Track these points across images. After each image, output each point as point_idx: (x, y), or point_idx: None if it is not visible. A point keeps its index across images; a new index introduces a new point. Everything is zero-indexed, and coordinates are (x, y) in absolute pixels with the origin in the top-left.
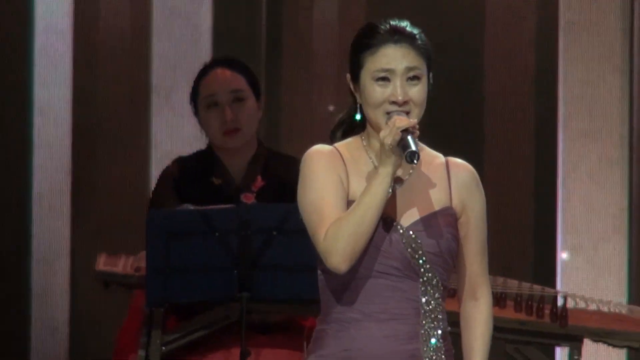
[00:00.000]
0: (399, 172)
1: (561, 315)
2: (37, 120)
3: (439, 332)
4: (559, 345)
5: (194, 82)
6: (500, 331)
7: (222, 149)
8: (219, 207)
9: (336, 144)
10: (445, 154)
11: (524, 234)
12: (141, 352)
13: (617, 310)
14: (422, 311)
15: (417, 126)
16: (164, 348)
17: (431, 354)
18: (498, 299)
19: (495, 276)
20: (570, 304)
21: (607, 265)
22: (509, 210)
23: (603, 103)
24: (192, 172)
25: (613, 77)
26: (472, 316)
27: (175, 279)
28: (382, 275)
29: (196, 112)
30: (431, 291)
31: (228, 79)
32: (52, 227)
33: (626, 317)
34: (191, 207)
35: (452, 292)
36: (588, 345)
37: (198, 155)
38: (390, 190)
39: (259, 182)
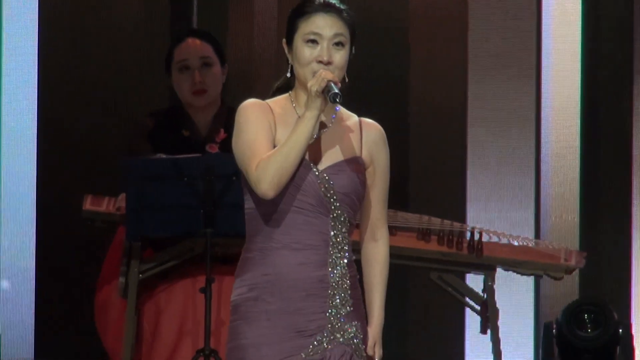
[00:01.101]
0: (322, 119)
1: (477, 247)
2: None
3: (345, 261)
4: (476, 273)
5: (169, 48)
6: (425, 261)
7: (191, 106)
8: (187, 156)
9: (267, 100)
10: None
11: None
12: (121, 279)
13: (524, 244)
14: (331, 243)
15: (338, 82)
16: (141, 275)
17: (337, 279)
18: (424, 234)
19: (421, 215)
20: (484, 238)
21: (518, 201)
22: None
23: None
24: (164, 125)
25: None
26: (372, 255)
27: (150, 216)
28: (298, 210)
29: (169, 75)
30: (339, 226)
31: (198, 47)
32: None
33: (532, 249)
34: (163, 156)
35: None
36: (500, 273)
37: (170, 111)
38: (315, 136)
39: (222, 134)
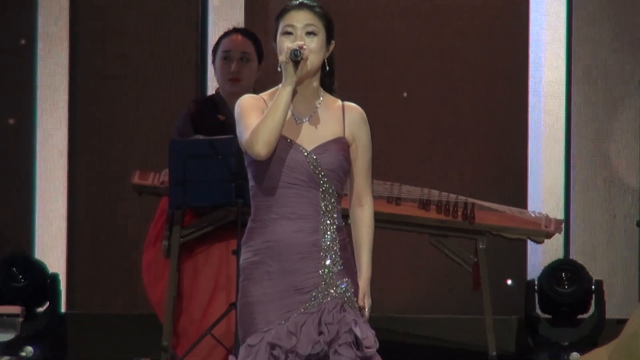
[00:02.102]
0: (304, 108)
1: (470, 216)
2: None
3: (334, 227)
4: (467, 237)
5: (218, 39)
6: (425, 227)
7: (226, 93)
8: (221, 137)
9: (260, 94)
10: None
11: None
12: (165, 242)
13: (511, 212)
14: (321, 212)
15: (305, 52)
16: (181, 239)
17: (328, 243)
18: (424, 204)
19: (422, 187)
20: (478, 207)
21: (509, 176)
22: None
23: None
24: (204, 110)
25: None
26: (359, 219)
27: (190, 189)
28: (292, 186)
29: (214, 61)
30: (328, 197)
31: (240, 42)
32: None
33: (517, 217)
34: (202, 137)
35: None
36: (491, 239)
37: (209, 98)
38: (305, 120)
39: None
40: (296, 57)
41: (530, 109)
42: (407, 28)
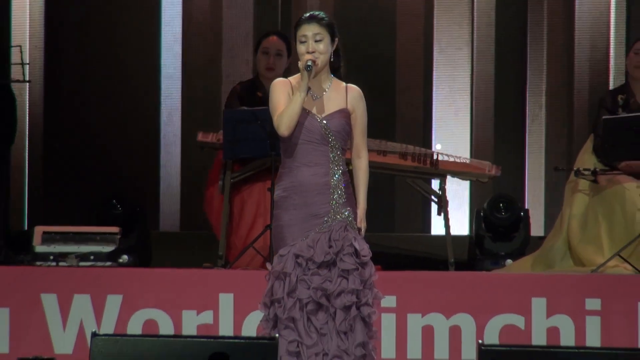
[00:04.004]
0: (318, 89)
1: (435, 163)
2: None
3: (340, 172)
4: (435, 179)
5: (260, 38)
6: (404, 172)
7: (263, 78)
8: (260, 108)
9: (289, 78)
10: None
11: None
12: (220, 183)
13: (464, 161)
14: (330, 161)
15: (316, 60)
16: (232, 180)
17: (335, 183)
18: (403, 155)
19: (401, 143)
20: (441, 157)
21: (461, 132)
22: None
23: None
24: (247, 89)
25: None
26: (357, 167)
27: (238, 145)
28: (309, 143)
29: (255, 54)
30: (335, 151)
31: (276, 42)
32: None
33: (469, 164)
34: (245, 108)
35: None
36: (450, 180)
37: (251, 81)
38: (318, 97)
39: None
40: (308, 69)
41: None
42: None
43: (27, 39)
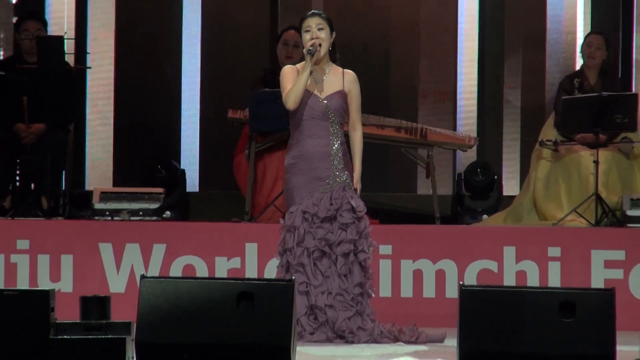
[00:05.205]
0: (320, 74)
1: (424, 135)
2: None
3: (338, 142)
4: (424, 148)
5: (281, 31)
6: (399, 142)
7: (283, 64)
8: (279, 90)
9: (297, 65)
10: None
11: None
12: (246, 151)
13: (449, 133)
14: (331, 134)
15: (318, 46)
16: (256, 149)
17: (335, 151)
18: (397, 129)
19: (396, 119)
20: (430, 131)
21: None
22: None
23: None
24: (269, 74)
25: None
26: (353, 139)
27: (261, 119)
28: (313, 119)
29: (276, 45)
30: (334, 125)
31: (294, 35)
32: None
33: (452, 136)
34: (267, 89)
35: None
36: (436, 149)
37: (272, 67)
38: (320, 81)
39: None
40: (311, 53)
41: None
42: None
43: (88, 30)
